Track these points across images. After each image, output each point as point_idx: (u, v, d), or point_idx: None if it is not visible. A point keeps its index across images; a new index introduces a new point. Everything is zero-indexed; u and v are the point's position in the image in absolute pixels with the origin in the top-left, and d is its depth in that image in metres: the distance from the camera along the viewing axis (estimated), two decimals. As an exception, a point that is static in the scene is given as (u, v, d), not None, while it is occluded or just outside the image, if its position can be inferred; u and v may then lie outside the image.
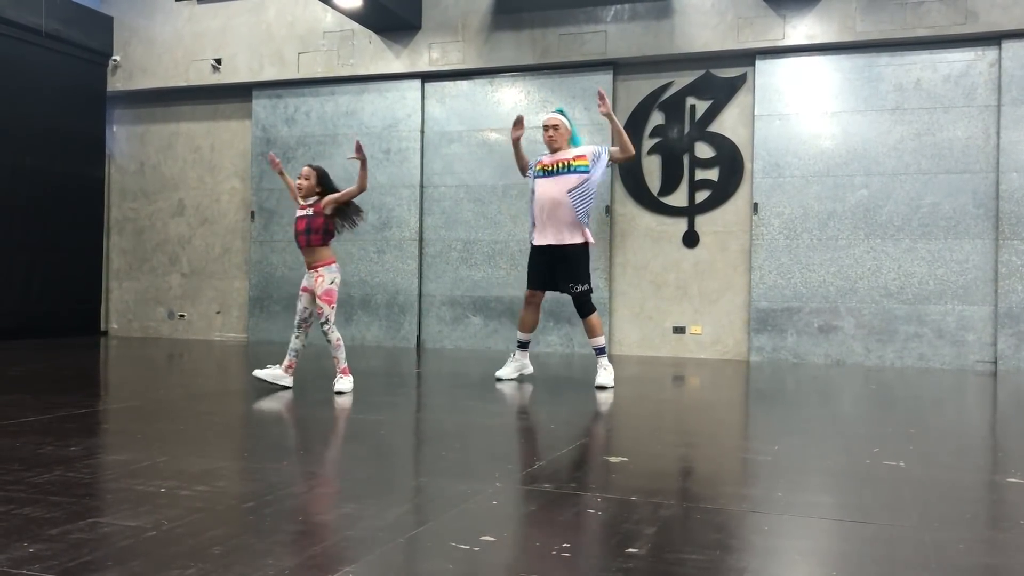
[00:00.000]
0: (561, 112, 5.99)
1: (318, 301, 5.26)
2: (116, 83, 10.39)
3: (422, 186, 9.33)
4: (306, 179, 5.34)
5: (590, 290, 5.86)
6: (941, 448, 3.84)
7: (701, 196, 8.53)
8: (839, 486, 3.07)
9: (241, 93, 10.02)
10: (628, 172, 8.71)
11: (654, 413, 4.94)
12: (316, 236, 5.25)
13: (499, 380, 6.09)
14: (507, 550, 2.21)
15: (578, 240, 5.77)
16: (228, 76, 9.89)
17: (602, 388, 5.77)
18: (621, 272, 8.78)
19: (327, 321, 5.28)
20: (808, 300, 8.14)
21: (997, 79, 7.70)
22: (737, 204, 8.44)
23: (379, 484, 2.97)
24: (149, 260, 10.54)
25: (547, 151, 5.93)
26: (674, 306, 8.63)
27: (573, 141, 5.91)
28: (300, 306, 5.39)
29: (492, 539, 2.27)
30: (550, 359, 8.03)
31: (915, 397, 5.91)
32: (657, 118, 8.65)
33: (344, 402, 4.98)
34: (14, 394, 5.00)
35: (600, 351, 5.95)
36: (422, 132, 9.32)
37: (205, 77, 9.98)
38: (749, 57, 8.33)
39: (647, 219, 8.70)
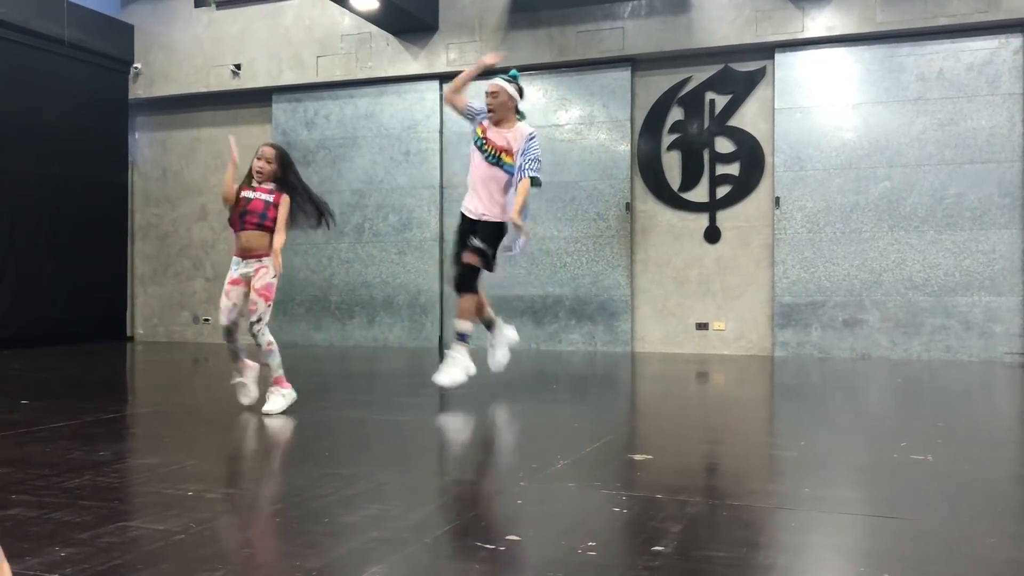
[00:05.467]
0: (514, 77, 5.20)
1: (254, 296, 4.45)
2: (138, 90, 10.49)
3: (442, 187, 9.34)
4: (268, 162, 4.48)
5: (488, 255, 5.01)
6: (969, 442, 3.80)
7: (722, 191, 8.49)
8: (866, 481, 3.05)
9: (261, 98, 10.08)
10: (648, 168, 8.68)
11: (678, 410, 4.93)
12: (271, 223, 4.48)
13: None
14: (532, 549, 2.21)
15: (500, 218, 5.08)
16: (248, 81, 9.95)
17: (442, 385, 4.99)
18: (643, 269, 8.75)
19: (260, 320, 4.46)
20: (832, 294, 8.07)
21: (1022, 67, 7.60)
22: (759, 199, 8.38)
23: (404, 485, 2.98)
24: (173, 265, 10.63)
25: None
26: (697, 302, 8.59)
27: (520, 115, 5.18)
28: (229, 303, 4.52)
29: (517, 538, 2.28)
30: (573, 357, 8.02)
31: (942, 390, 5.85)
32: (676, 113, 8.61)
33: (362, 405, 4.99)
34: (44, 400, 5.06)
35: (462, 337, 5.07)
36: (441, 133, 9.34)
37: (225, 82, 10.05)
38: (768, 50, 8.27)
39: (668, 215, 8.67)
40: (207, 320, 10.47)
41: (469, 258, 5.01)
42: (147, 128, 10.81)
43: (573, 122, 8.86)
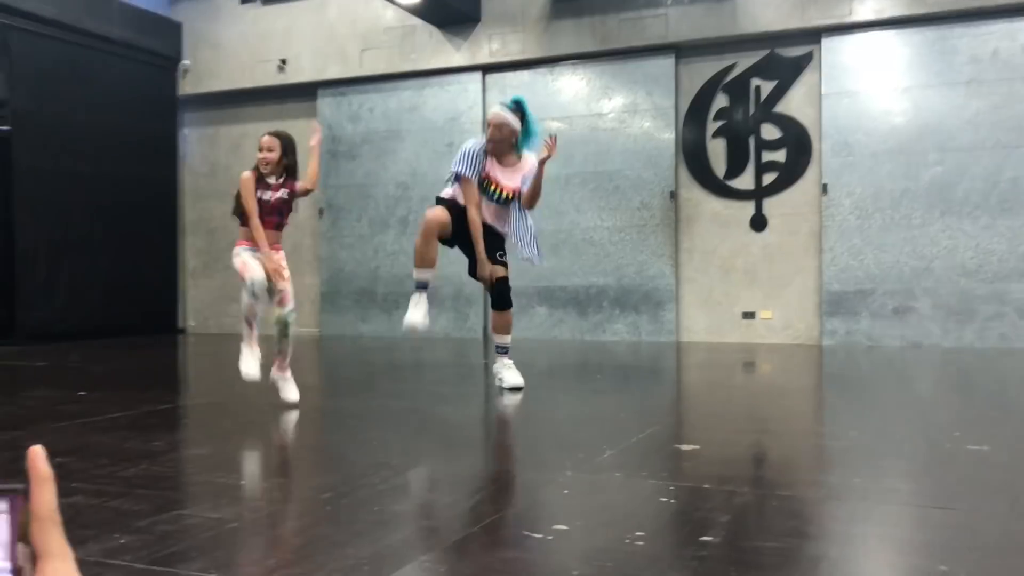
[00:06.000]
0: (517, 103, 4.90)
1: (284, 285, 4.30)
2: (186, 87, 10.65)
3: (485, 178, 9.35)
4: (270, 150, 4.31)
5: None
6: (1027, 431, 3.71)
7: (768, 178, 8.37)
8: (920, 472, 2.99)
9: (306, 92, 10.17)
10: (693, 156, 8.60)
11: (725, 400, 4.88)
12: (288, 220, 4.46)
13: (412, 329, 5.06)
14: (580, 539, 2.21)
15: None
16: (293, 76, 10.05)
17: (518, 389, 4.93)
18: (688, 258, 8.68)
19: (292, 309, 4.38)
20: (882, 281, 7.92)
21: (1079, 46, 7.36)
22: (805, 185, 8.26)
23: (451, 474, 3.00)
24: (222, 259, 10.79)
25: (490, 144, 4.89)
26: (743, 291, 8.50)
27: (522, 143, 4.94)
28: (261, 267, 4.22)
29: (565, 528, 2.28)
30: (617, 347, 8.00)
31: (997, 379, 5.71)
32: (721, 100, 8.51)
33: (409, 395, 5.03)
34: (101, 391, 5.19)
35: (506, 351, 5.05)
36: (484, 124, 9.32)
37: (271, 78, 10.16)
38: (814, 35, 8.13)
39: (713, 203, 8.58)
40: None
41: (502, 272, 4.91)
42: (196, 124, 10.98)
43: (616, 111, 8.80)
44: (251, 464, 3.33)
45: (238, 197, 4.37)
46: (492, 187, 4.87)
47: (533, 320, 9.06)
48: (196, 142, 10.99)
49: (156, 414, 4.36)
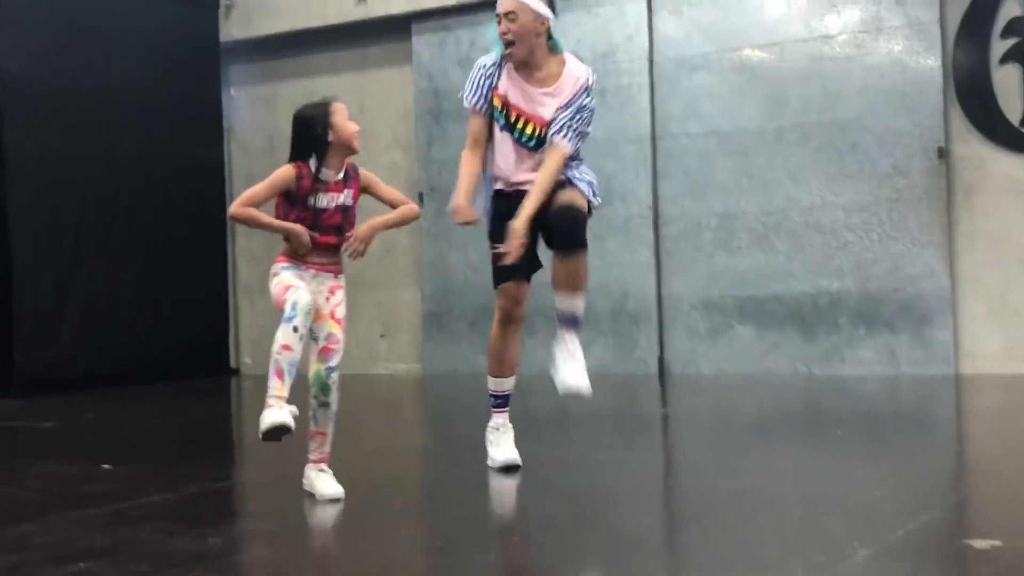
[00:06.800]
0: None
1: (333, 328, 4.36)
2: (231, 30, 11.06)
3: (654, 138, 9.32)
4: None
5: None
6: None
7: (1091, 121, 8.05)
8: None
9: (397, 30, 10.38)
10: (969, 92, 8.33)
11: (1037, 466, 4.72)
12: (348, 236, 4.42)
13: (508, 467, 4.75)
14: None
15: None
16: (378, 8, 10.28)
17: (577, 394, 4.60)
18: (968, 247, 8.40)
19: (338, 366, 4.37)
20: None
21: None
22: None
23: (627, 587, 3.00)
24: (287, 269, 11.16)
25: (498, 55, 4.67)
26: (1057, 295, 8.19)
27: (554, 44, 4.73)
28: (303, 343, 4.30)
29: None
30: (863, 385, 7.83)
31: None
32: (1012, 8, 8.22)
33: (554, 463, 5.03)
34: (133, 463, 5.44)
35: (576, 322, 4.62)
36: (651, 61, 9.32)
37: (347, 12, 10.43)
38: None
39: (1005, 163, 8.29)
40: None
41: (574, 197, 4.60)
42: (245, 81, 11.38)
43: (850, 30, 8.63)
44: (345, 571, 3.42)
45: None
46: (515, 118, 4.59)
47: (734, 345, 8.95)
48: (247, 106, 11.39)
49: (208, 496, 4.54)
